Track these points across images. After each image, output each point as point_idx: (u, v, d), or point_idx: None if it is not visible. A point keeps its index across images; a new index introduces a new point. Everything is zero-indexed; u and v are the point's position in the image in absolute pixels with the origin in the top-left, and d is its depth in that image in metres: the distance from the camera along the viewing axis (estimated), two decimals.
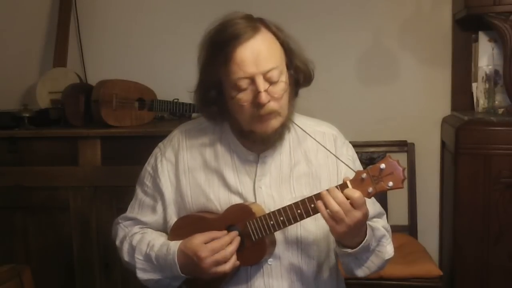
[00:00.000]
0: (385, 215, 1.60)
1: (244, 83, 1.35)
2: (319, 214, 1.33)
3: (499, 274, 2.16)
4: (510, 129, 2.13)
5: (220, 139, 1.52)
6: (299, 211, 1.35)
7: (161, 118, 2.62)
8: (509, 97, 2.30)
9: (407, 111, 2.65)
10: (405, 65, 2.65)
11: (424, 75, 2.64)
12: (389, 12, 2.62)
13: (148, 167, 1.58)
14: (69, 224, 2.35)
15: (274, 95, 1.37)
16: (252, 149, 1.49)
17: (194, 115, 2.46)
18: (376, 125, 2.66)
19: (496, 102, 2.39)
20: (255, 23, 1.38)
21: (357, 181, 1.31)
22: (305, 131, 1.48)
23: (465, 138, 2.17)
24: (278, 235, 1.44)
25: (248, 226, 1.40)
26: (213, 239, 1.39)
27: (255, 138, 1.42)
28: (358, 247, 1.38)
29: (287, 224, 1.37)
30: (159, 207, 1.54)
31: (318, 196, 1.32)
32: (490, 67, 2.39)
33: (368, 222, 1.41)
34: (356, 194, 1.29)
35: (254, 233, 1.39)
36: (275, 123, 1.40)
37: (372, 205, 1.49)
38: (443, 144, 2.61)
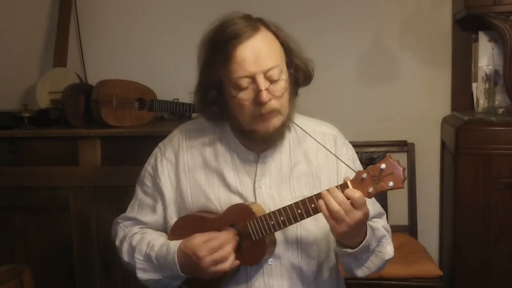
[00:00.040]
0: (385, 215, 1.60)
1: (244, 82, 1.35)
2: (319, 214, 1.34)
3: (499, 274, 2.16)
4: (510, 129, 2.13)
5: (220, 139, 1.52)
6: (299, 211, 1.35)
7: (161, 118, 2.62)
8: (509, 97, 2.30)
9: (407, 111, 2.65)
10: (405, 65, 2.65)
11: (424, 75, 2.64)
12: (389, 12, 2.62)
13: (148, 167, 1.58)
14: (69, 224, 2.35)
15: (275, 93, 1.37)
16: (252, 149, 1.49)
17: (194, 115, 2.46)
18: (376, 125, 2.66)
19: (496, 102, 2.39)
20: (254, 23, 1.38)
21: (358, 181, 1.31)
22: (305, 131, 1.48)
23: (465, 138, 2.17)
24: (278, 235, 1.44)
25: (249, 226, 1.40)
26: (212, 239, 1.40)
27: (256, 137, 1.42)
28: (358, 247, 1.38)
29: (287, 224, 1.37)
30: (159, 207, 1.54)
31: (319, 196, 1.32)
32: (490, 67, 2.39)
33: (368, 222, 1.41)
34: (356, 194, 1.29)
35: (255, 233, 1.39)
36: (276, 122, 1.40)
37: (372, 205, 1.49)
38: (443, 144, 2.61)
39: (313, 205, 1.34)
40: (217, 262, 1.37)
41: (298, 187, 1.48)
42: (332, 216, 1.30)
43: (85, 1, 2.77)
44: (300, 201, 1.35)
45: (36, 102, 2.57)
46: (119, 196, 2.25)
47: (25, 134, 2.36)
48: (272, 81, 1.36)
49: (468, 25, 2.50)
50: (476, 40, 2.42)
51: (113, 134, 2.34)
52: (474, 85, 2.47)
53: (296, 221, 1.37)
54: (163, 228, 1.55)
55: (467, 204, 2.17)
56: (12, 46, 2.84)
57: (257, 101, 1.36)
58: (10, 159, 2.36)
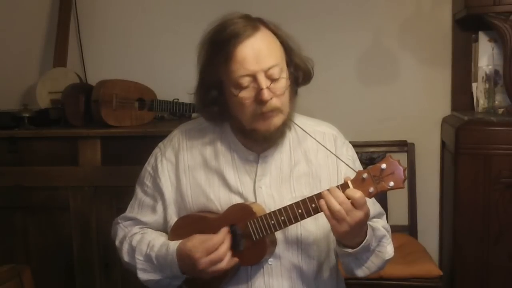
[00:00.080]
0: (385, 215, 1.60)
1: (245, 81, 1.36)
2: (319, 214, 1.34)
3: (499, 274, 2.16)
4: (510, 129, 2.13)
5: (221, 139, 1.52)
6: (300, 210, 1.35)
7: (161, 118, 2.62)
8: (509, 97, 2.30)
9: (407, 111, 2.65)
10: (405, 65, 2.65)
11: (424, 75, 2.64)
12: (389, 12, 2.62)
13: (148, 167, 1.58)
14: (69, 224, 2.35)
15: (276, 92, 1.37)
16: (253, 148, 1.49)
17: (194, 115, 2.46)
18: (376, 125, 2.66)
19: (496, 102, 2.39)
20: (254, 22, 1.39)
21: (358, 181, 1.31)
22: (305, 131, 1.48)
23: (465, 138, 2.17)
24: (278, 235, 1.44)
25: (249, 225, 1.39)
26: (207, 240, 1.39)
27: (257, 136, 1.42)
28: (359, 247, 1.38)
29: (287, 224, 1.37)
30: (159, 207, 1.54)
31: (319, 196, 1.32)
32: (490, 67, 2.39)
33: (369, 222, 1.41)
34: (357, 194, 1.29)
35: (255, 232, 1.39)
36: (277, 120, 1.40)
37: (372, 205, 1.49)
38: (443, 144, 2.61)
39: (313, 205, 1.34)
40: (213, 262, 1.37)
41: (298, 187, 1.48)
42: (333, 216, 1.30)
43: (85, 1, 2.77)
44: (301, 201, 1.35)
45: (36, 102, 2.57)
46: (119, 196, 2.25)
47: (25, 134, 2.36)
48: (273, 80, 1.36)
49: (468, 25, 2.50)
50: (476, 40, 2.42)
51: (113, 134, 2.34)
52: (474, 85, 2.47)
53: (296, 221, 1.37)
54: (163, 228, 1.55)
55: (467, 204, 2.17)
56: (12, 46, 2.84)
57: (258, 100, 1.36)
58: (10, 159, 2.37)
